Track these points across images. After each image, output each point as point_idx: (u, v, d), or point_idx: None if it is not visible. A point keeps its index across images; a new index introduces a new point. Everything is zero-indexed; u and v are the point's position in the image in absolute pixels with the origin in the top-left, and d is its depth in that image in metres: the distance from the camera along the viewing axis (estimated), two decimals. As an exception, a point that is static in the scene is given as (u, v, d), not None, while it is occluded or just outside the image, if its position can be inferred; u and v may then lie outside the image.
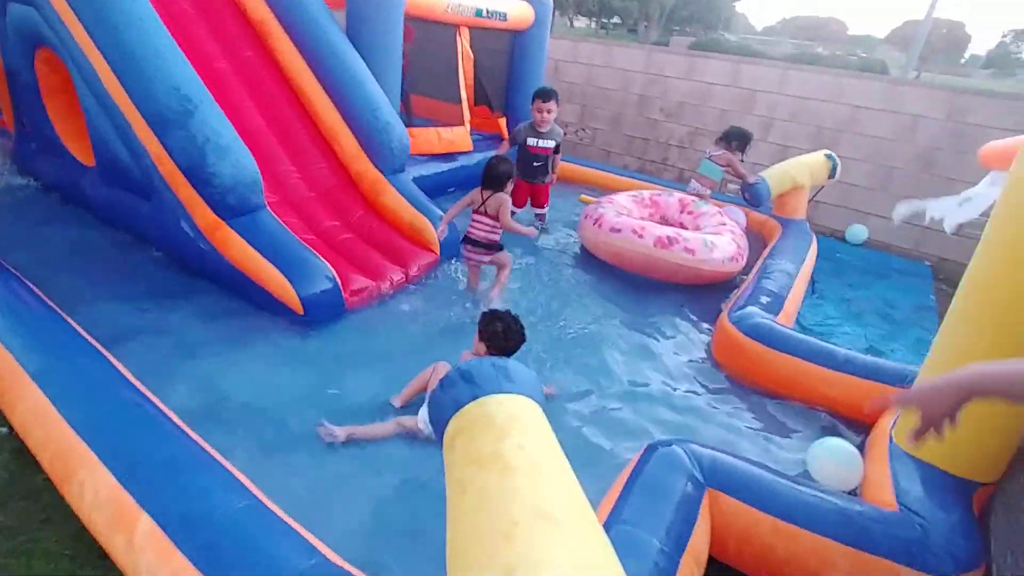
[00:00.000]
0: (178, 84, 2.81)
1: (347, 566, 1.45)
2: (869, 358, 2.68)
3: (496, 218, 3.17)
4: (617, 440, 2.40)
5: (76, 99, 3.46)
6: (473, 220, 3.25)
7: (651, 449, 1.92)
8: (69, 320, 2.39)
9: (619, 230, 3.82)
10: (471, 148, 5.45)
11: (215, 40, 3.64)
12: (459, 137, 5.36)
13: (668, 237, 3.70)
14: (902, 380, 2.49)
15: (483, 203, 3.17)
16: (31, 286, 2.62)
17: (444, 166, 5.08)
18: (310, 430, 2.23)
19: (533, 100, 4.19)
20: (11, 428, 2.08)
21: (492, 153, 3.86)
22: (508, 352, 2.24)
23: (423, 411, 2.20)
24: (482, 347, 2.26)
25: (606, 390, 2.72)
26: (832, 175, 4.79)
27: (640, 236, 3.74)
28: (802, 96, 5.80)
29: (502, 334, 2.23)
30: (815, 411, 2.70)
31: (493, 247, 3.26)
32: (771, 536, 1.73)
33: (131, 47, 2.79)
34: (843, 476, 2.11)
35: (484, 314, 2.31)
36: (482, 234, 3.21)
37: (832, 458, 2.15)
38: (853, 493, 2.05)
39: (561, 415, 2.48)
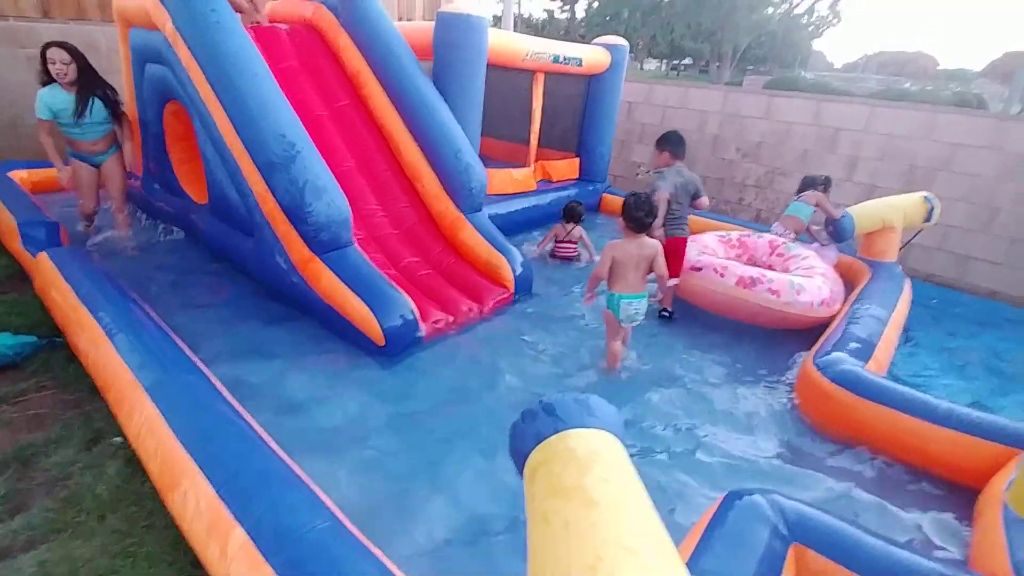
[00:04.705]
0: (284, 131, 3.10)
1: (422, 593, 1.47)
2: (976, 413, 2.45)
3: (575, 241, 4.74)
4: (692, 486, 2.31)
5: (194, 145, 3.89)
6: (560, 245, 4.70)
7: (731, 497, 1.84)
8: (177, 340, 2.64)
9: (699, 268, 3.74)
10: (535, 188, 5.65)
11: (316, 90, 4.00)
12: (526, 178, 5.58)
13: (751, 277, 3.57)
14: (1019, 439, 2.26)
15: (567, 233, 4.70)
16: (147, 309, 2.92)
17: (518, 205, 5.27)
18: (390, 455, 2.32)
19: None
20: (124, 438, 2.30)
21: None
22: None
23: None
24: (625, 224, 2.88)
25: (680, 432, 2.64)
26: (929, 219, 4.48)
27: (721, 275, 3.64)
28: (892, 134, 5.54)
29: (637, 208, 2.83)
30: (906, 467, 2.50)
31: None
32: (867, 602, 1.60)
33: (245, 99, 3.12)
34: None
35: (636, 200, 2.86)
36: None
37: None
38: None
39: (633, 457, 2.42)
